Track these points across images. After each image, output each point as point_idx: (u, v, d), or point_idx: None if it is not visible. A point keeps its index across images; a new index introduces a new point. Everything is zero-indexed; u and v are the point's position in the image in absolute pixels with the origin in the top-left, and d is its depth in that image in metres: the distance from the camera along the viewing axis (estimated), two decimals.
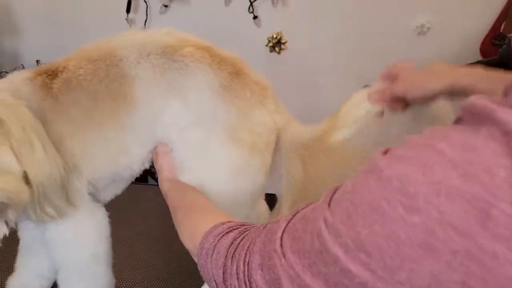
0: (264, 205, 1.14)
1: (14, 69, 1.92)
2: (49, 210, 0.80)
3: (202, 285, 1.03)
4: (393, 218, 0.36)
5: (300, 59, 1.69)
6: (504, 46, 1.20)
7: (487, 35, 1.50)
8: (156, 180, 1.42)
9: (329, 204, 0.43)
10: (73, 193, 0.84)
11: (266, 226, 0.53)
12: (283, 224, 0.48)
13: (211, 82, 0.85)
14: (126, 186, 0.99)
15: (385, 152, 0.41)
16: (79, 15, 1.90)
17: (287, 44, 1.70)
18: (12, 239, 1.23)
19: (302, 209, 0.49)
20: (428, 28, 1.51)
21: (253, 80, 0.89)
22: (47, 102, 0.82)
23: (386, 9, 1.57)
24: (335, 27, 1.63)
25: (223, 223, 0.61)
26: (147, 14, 1.80)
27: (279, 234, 0.47)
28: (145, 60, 0.85)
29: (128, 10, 1.81)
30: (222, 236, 0.58)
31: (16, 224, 0.82)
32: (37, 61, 1.95)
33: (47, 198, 0.78)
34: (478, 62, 1.26)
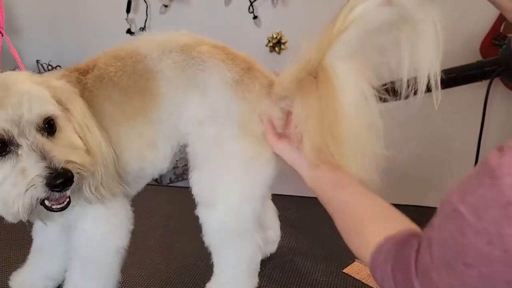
0: (270, 204, 1.15)
1: (14, 69, 1.92)
2: (102, 190, 0.83)
3: (202, 285, 1.03)
4: None
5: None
6: (504, 46, 1.20)
7: (487, 35, 1.50)
8: (156, 180, 1.40)
9: None
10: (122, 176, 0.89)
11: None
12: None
13: (225, 77, 0.89)
14: (143, 185, 1.01)
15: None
16: (79, 15, 1.90)
17: (287, 44, 1.70)
18: (15, 240, 1.23)
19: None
20: None
21: (262, 74, 0.93)
22: (85, 96, 0.87)
23: None
24: None
25: (387, 240, 0.64)
26: (147, 14, 1.80)
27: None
28: (167, 57, 0.89)
29: (128, 10, 1.81)
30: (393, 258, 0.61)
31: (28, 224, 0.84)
32: (37, 61, 1.95)
33: (103, 178, 0.82)
34: (478, 62, 1.25)
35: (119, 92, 0.88)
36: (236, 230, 0.94)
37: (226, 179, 0.91)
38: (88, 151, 0.80)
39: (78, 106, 0.82)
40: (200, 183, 0.92)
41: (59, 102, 0.79)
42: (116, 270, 0.95)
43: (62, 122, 0.78)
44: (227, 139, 0.89)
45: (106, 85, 0.88)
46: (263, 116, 0.90)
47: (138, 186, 0.99)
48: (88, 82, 0.88)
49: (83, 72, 0.89)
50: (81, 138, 0.80)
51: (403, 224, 0.68)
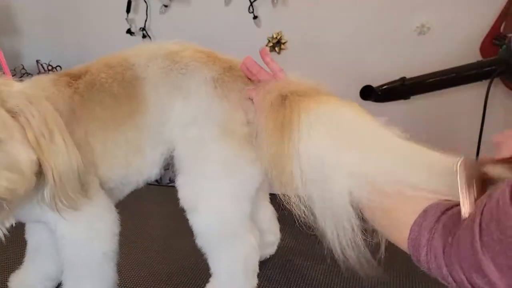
0: (269, 207, 1.15)
1: (14, 69, 1.92)
2: (58, 201, 0.81)
3: (202, 285, 1.03)
4: None
5: (300, 59, 1.69)
6: (504, 46, 1.20)
7: (487, 35, 1.49)
8: (157, 180, 1.41)
9: None
10: (90, 186, 0.87)
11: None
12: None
13: (204, 77, 0.91)
14: (128, 193, 1.00)
15: None
16: (79, 15, 1.90)
17: (287, 44, 1.70)
18: (14, 240, 1.23)
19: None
20: (428, 28, 1.51)
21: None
22: (76, 99, 0.88)
23: (386, 9, 1.57)
24: (334, 27, 1.63)
25: (425, 213, 0.60)
26: (147, 14, 1.80)
27: None
28: (153, 63, 0.92)
29: (128, 10, 1.81)
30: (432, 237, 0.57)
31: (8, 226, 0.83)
32: (37, 61, 1.95)
33: (64, 189, 0.80)
34: (478, 62, 1.25)
35: (110, 97, 0.89)
36: (223, 233, 0.93)
37: (207, 182, 0.90)
38: (39, 162, 0.77)
39: (37, 113, 0.77)
40: (183, 188, 0.92)
41: (10, 110, 0.75)
42: (109, 272, 0.93)
43: (4, 134, 0.74)
44: (208, 141, 0.89)
45: (97, 90, 0.88)
46: (250, 92, 0.89)
47: (120, 193, 0.99)
48: (80, 86, 0.88)
49: (74, 77, 0.89)
50: (35, 148, 0.77)
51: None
